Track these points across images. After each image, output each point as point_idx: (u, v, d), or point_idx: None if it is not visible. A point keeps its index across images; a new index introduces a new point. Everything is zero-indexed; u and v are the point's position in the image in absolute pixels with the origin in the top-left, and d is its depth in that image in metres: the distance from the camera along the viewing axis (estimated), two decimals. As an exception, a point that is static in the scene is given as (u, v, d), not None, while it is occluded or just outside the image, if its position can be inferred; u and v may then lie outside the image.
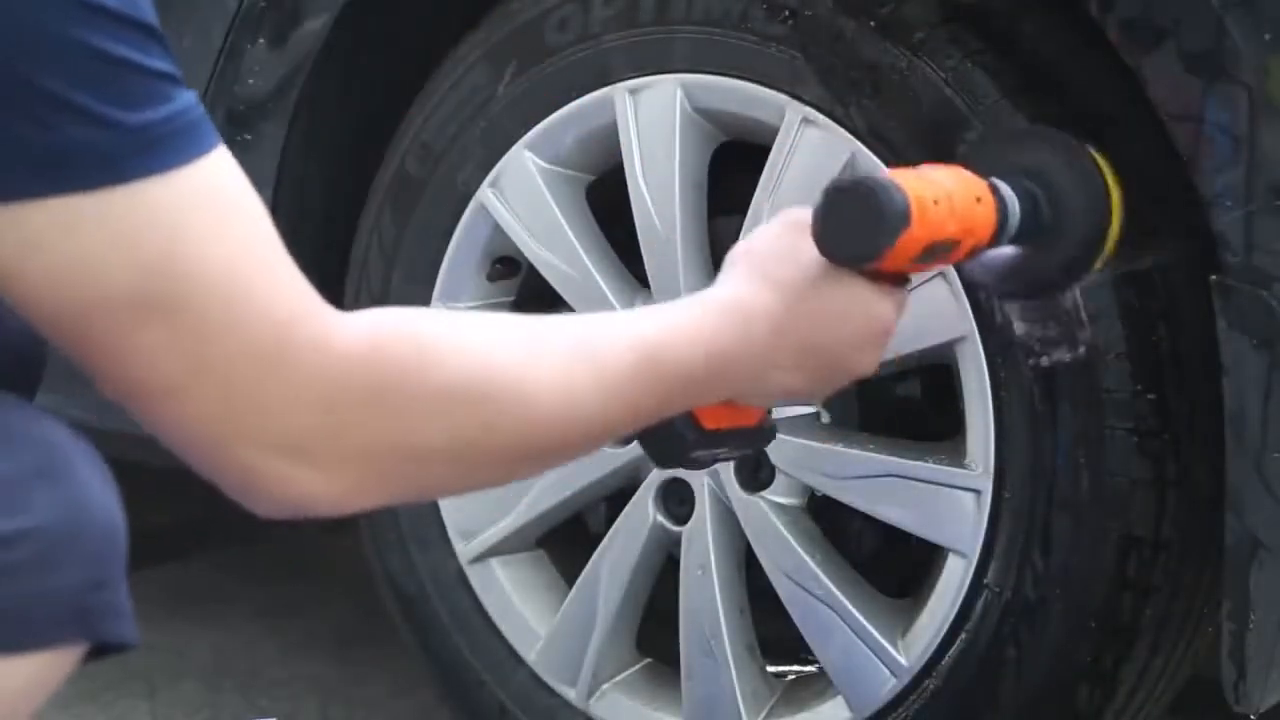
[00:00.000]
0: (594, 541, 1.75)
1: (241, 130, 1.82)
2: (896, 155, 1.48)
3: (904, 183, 1.15)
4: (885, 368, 1.55)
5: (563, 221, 1.71)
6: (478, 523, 1.80)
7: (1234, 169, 1.31)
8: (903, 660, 1.56)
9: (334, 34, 1.78)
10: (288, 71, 1.80)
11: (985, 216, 1.21)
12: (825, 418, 1.61)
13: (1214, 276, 1.33)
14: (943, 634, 1.53)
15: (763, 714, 1.67)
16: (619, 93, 1.65)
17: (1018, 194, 1.23)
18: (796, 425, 1.60)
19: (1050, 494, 1.46)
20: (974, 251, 1.22)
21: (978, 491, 1.50)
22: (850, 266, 1.17)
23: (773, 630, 1.67)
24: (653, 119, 1.63)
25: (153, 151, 0.86)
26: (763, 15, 1.55)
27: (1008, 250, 1.26)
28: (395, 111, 1.82)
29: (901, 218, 1.14)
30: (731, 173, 1.65)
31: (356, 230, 1.85)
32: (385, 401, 0.94)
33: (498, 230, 1.75)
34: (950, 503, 1.51)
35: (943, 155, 1.34)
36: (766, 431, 1.24)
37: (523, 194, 1.72)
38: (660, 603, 1.75)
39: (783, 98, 1.55)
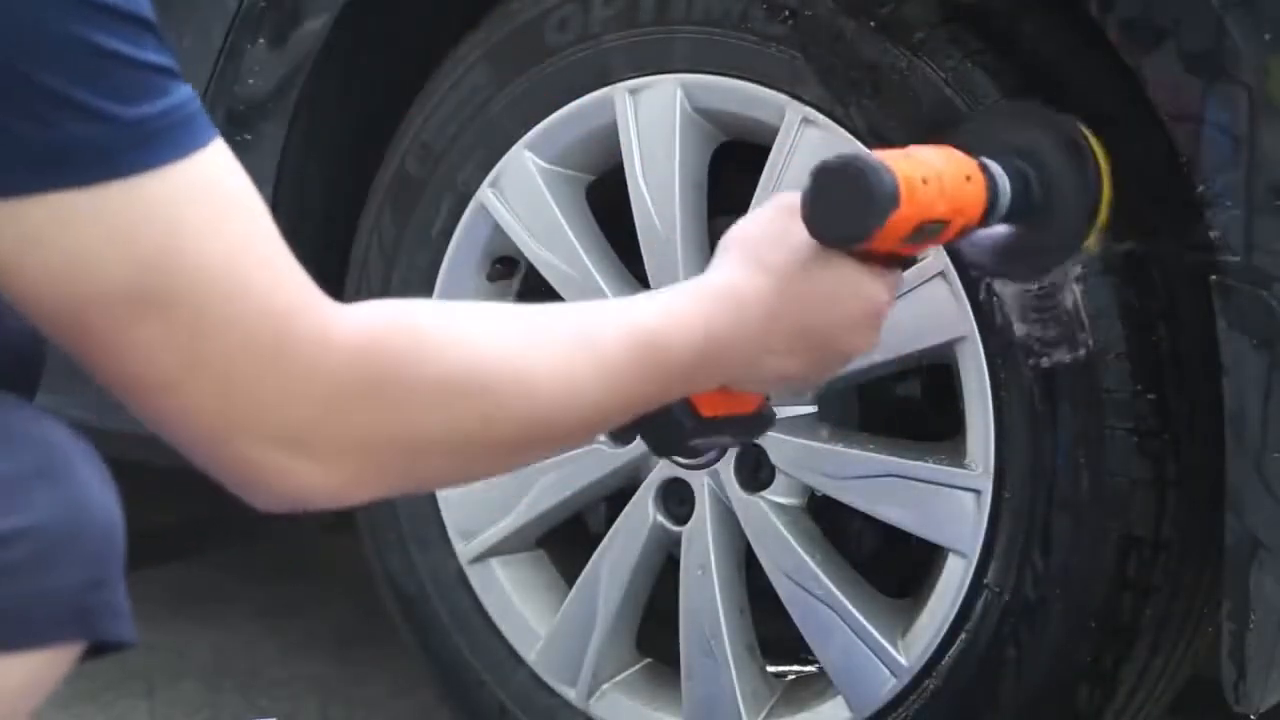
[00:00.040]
0: (594, 541, 1.75)
1: (241, 130, 1.82)
2: (896, 155, 1.48)
3: (893, 163, 1.16)
4: (885, 368, 1.56)
5: (563, 221, 1.71)
6: (478, 523, 1.80)
7: (1234, 169, 1.31)
8: (903, 660, 1.56)
9: (334, 34, 1.78)
10: (288, 71, 1.80)
11: (975, 195, 1.21)
12: (825, 432, 1.61)
13: (1214, 276, 1.32)
14: (943, 634, 1.53)
15: (763, 714, 1.67)
16: (619, 93, 1.65)
17: (1008, 172, 1.23)
18: (796, 425, 1.60)
19: (1050, 494, 1.46)
20: (965, 231, 1.22)
21: (978, 491, 1.50)
22: (840, 248, 1.17)
23: (773, 630, 1.67)
24: (653, 119, 1.63)
25: (148, 146, 0.86)
26: (763, 15, 1.55)
27: (1000, 229, 1.26)
28: (395, 111, 1.82)
29: (890, 198, 1.14)
30: (731, 173, 1.65)
31: (356, 230, 1.85)
32: (384, 394, 0.94)
33: (498, 230, 1.75)
34: (950, 503, 1.51)
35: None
36: (765, 418, 1.24)
37: (523, 194, 1.72)
38: (660, 603, 1.75)
39: (783, 98, 1.55)
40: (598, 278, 1.68)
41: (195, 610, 2.47)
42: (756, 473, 1.64)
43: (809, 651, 1.63)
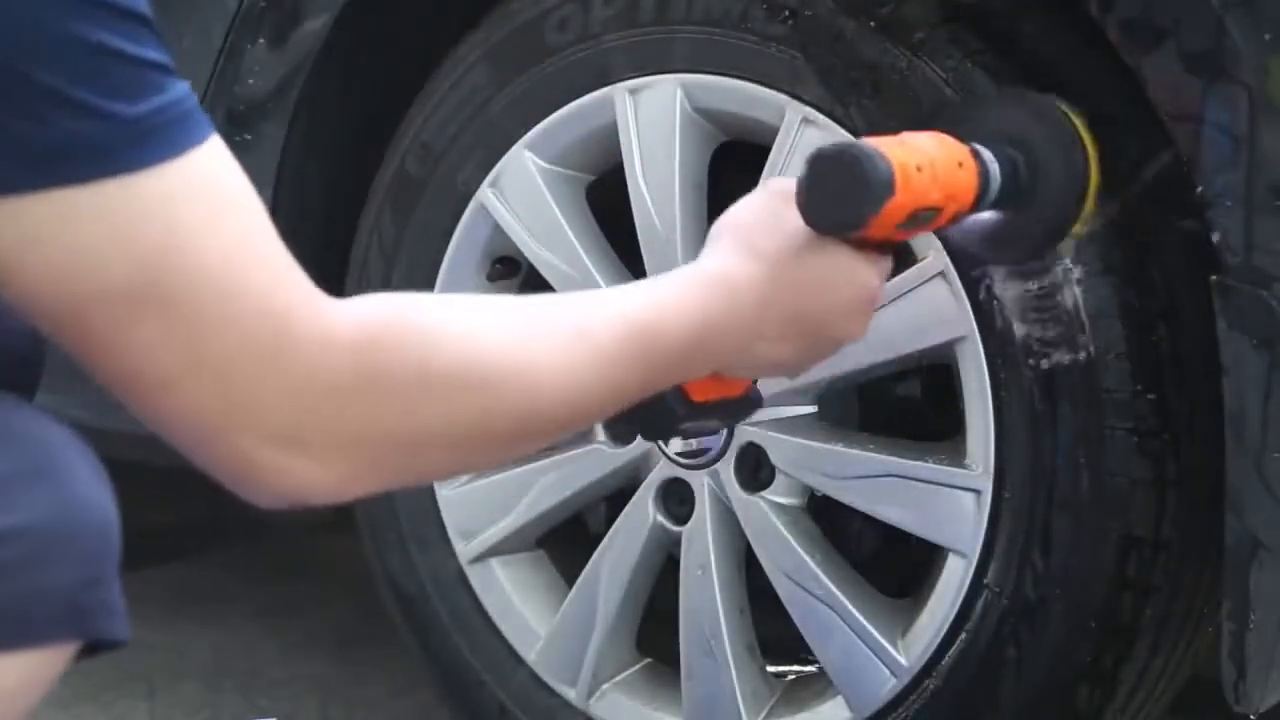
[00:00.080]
0: (594, 541, 1.75)
1: (241, 130, 1.82)
2: (896, 155, 1.48)
3: (887, 150, 1.16)
4: (885, 368, 1.56)
5: (563, 221, 1.71)
6: (478, 523, 1.80)
7: (1234, 169, 1.31)
8: (903, 660, 1.56)
9: (334, 34, 1.78)
10: (288, 71, 1.80)
11: (967, 182, 1.21)
12: (825, 432, 1.61)
13: (1214, 276, 1.32)
14: (943, 634, 1.53)
15: (763, 714, 1.67)
16: (619, 93, 1.65)
17: (997, 158, 1.23)
18: (796, 425, 1.60)
19: (1050, 494, 1.46)
20: (957, 217, 1.22)
21: (978, 491, 1.50)
22: (835, 235, 1.17)
23: (773, 630, 1.67)
24: (653, 119, 1.63)
25: (145, 143, 0.86)
26: (763, 15, 1.55)
27: (990, 215, 1.26)
28: (395, 111, 1.82)
29: (886, 185, 1.14)
30: (731, 173, 1.65)
31: (356, 230, 1.85)
32: (382, 390, 0.94)
33: (498, 230, 1.75)
34: (950, 503, 1.51)
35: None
36: (752, 400, 1.25)
37: (523, 194, 1.72)
38: (660, 603, 1.74)
39: (783, 98, 1.55)
40: (598, 278, 1.68)
41: (195, 610, 2.47)
42: (756, 473, 1.64)
43: (809, 651, 1.63)
